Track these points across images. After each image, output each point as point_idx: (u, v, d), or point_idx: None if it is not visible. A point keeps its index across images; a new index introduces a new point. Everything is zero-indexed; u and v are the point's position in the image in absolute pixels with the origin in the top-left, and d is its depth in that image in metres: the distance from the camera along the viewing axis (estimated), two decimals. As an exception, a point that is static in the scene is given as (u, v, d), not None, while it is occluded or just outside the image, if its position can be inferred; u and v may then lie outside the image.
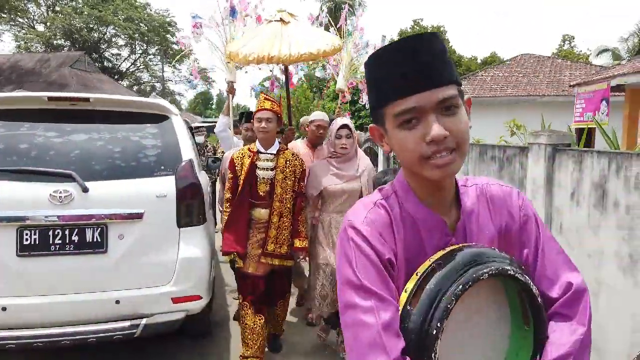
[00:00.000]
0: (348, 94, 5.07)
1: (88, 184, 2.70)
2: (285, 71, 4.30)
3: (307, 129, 4.25)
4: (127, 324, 2.71)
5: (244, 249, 3.10)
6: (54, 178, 2.69)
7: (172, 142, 3.03)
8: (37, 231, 2.63)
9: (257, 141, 3.20)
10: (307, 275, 3.58)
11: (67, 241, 2.67)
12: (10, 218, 2.59)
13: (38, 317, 2.62)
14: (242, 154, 3.17)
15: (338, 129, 3.28)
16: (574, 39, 38.46)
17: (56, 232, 2.65)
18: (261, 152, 3.16)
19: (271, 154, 3.16)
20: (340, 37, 4.62)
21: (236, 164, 3.14)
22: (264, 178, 3.12)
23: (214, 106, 65.19)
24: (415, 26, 33.67)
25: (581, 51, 35.39)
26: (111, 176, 2.79)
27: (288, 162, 3.18)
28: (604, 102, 9.10)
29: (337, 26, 4.90)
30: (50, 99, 2.89)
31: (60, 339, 2.61)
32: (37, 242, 2.63)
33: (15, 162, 2.70)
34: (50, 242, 2.64)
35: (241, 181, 3.09)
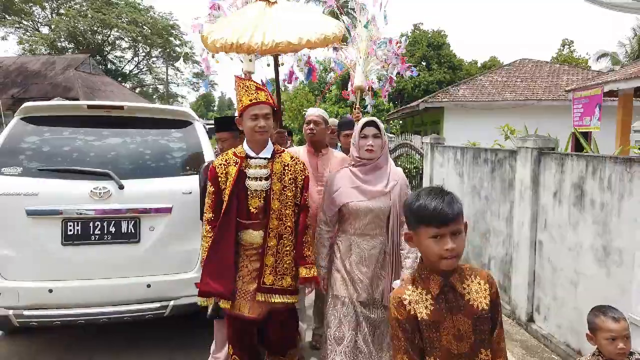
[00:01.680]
0: (369, 94, 4.39)
1: (123, 182, 3.07)
2: (275, 63, 3.50)
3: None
4: (157, 305, 3.08)
5: (231, 288, 2.43)
6: (94, 176, 3.06)
7: (195, 145, 3.39)
8: (79, 223, 3.01)
9: (244, 143, 2.54)
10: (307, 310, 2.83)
11: (105, 232, 3.04)
12: (56, 211, 2.96)
13: (80, 298, 2.98)
14: (225, 160, 2.49)
15: (363, 127, 2.63)
16: (573, 43, 38.76)
17: (96, 224, 3.03)
18: (251, 157, 2.48)
19: (264, 158, 2.49)
20: (354, 28, 4.07)
21: (219, 174, 2.46)
22: (256, 190, 2.44)
23: (215, 108, 65.62)
24: (415, 30, 34.03)
25: (580, 55, 35.80)
26: (143, 175, 3.16)
27: (287, 168, 2.51)
28: (597, 107, 9.47)
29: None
30: (89, 107, 3.28)
31: (99, 317, 2.98)
32: (79, 233, 3.00)
33: (60, 163, 3.07)
34: (91, 232, 3.02)
35: (226, 196, 2.43)
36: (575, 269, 3.54)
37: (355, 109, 3.89)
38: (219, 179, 2.47)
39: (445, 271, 1.49)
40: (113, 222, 3.04)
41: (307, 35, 2.94)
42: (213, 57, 3.81)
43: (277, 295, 2.46)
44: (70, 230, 2.99)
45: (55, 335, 3.67)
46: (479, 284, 1.55)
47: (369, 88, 4.33)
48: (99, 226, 3.03)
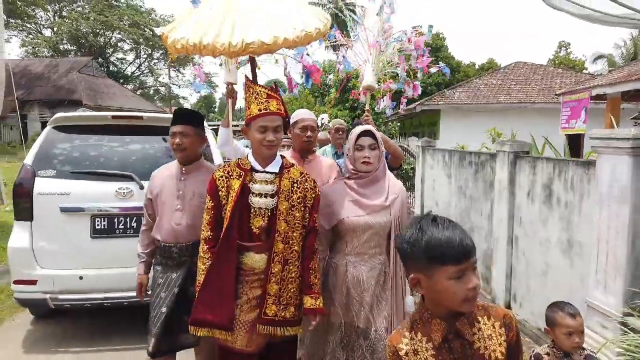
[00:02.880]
0: (364, 94, 3.85)
1: (143, 182, 3.48)
2: (252, 65, 2.86)
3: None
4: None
5: (231, 317, 2.19)
6: (118, 178, 3.51)
7: (205, 149, 3.81)
8: (105, 219, 3.45)
9: (249, 155, 2.33)
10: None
11: (128, 226, 3.50)
12: (86, 209, 3.41)
13: (106, 284, 3.43)
14: (227, 172, 2.26)
15: (358, 137, 2.44)
16: (570, 45, 39.21)
17: (120, 220, 3.47)
18: (257, 171, 2.25)
19: (272, 172, 2.26)
20: (363, 19, 3.59)
21: (219, 187, 2.22)
22: (260, 208, 2.21)
23: (216, 109, 66.08)
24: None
25: (577, 57, 36.27)
26: None
27: (296, 185, 2.27)
28: (583, 110, 9.90)
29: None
30: (113, 117, 3.73)
31: (122, 300, 3.43)
32: (105, 227, 3.46)
33: (89, 166, 3.51)
34: (116, 227, 3.47)
35: (227, 213, 2.19)
36: (545, 261, 3.96)
37: (365, 112, 3.47)
38: (219, 193, 2.22)
39: (452, 313, 1.27)
40: (135, 218, 3.48)
41: (284, 33, 2.41)
42: (200, 65, 3.42)
43: (279, 328, 2.21)
44: (98, 225, 3.43)
45: (79, 319, 4.10)
46: (493, 327, 1.31)
47: (388, 89, 3.94)
48: (123, 221, 3.47)
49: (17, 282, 3.34)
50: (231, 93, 3.06)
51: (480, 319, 1.31)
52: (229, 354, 2.25)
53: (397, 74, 3.86)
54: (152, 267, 2.79)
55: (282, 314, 2.21)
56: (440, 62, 4.13)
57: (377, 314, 2.39)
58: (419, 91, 3.89)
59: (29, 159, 3.44)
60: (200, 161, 2.77)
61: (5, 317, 4.15)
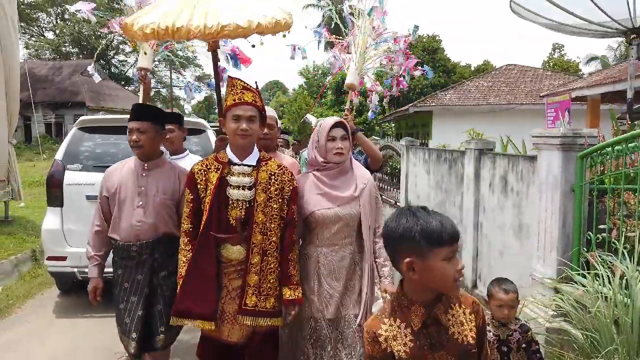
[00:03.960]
0: (357, 95, 3.91)
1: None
2: (214, 57, 2.99)
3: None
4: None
5: (214, 307, 2.25)
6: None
7: (208, 148, 4.43)
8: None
9: (227, 148, 2.38)
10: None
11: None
12: (107, 196, 4.00)
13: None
14: (205, 166, 2.32)
15: (330, 129, 2.46)
16: (563, 47, 39.84)
17: None
18: (234, 164, 2.31)
19: (249, 165, 2.32)
20: (356, 17, 3.65)
21: (198, 181, 2.30)
22: (237, 200, 2.26)
23: (216, 111, 66.53)
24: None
25: (571, 59, 36.92)
26: None
27: (273, 177, 2.33)
28: (566, 111, 10.54)
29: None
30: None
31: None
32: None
33: (109, 161, 4.08)
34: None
35: (206, 205, 2.26)
36: (503, 243, 4.58)
37: (346, 109, 3.51)
38: (198, 187, 2.29)
39: (430, 300, 1.38)
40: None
41: (258, 18, 2.52)
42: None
43: (261, 318, 2.26)
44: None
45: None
46: (464, 314, 1.42)
47: (374, 91, 4.02)
48: None
49: (50, 258, 3.98)
50: (143, 79, 3.26)
51: (452, 306, 1.41)
52: (213, 344, 2.34)
53: (384, 74, 3.97)
54: (113, 272, 2.68)
55: (263, 305, 2.26)
56: (425, 65, 4.13)
57: (347, 302, 2.44)
58: (405, 85, 3.92)
59: (59, 155, 4.07)
60: (162, 157, 2.72)
61: (35, 292, 4.82)
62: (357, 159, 3.30)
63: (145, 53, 3.25)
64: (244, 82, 2.32)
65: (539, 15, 5.87)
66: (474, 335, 1.40)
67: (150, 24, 2.48)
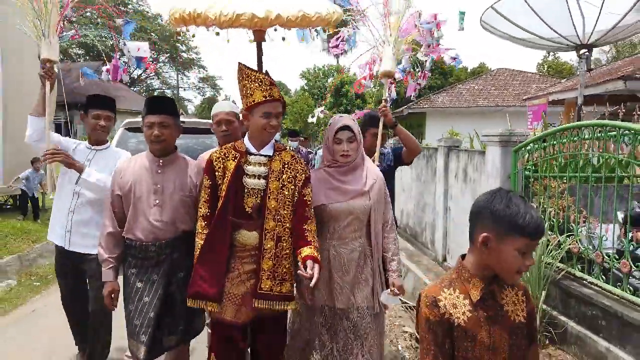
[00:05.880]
0: (393, 84, 3.59)
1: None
2: (258, 49, 2.83)
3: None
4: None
5: (220, 290, 2.30)
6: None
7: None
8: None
9: (245, 138, 2.42)
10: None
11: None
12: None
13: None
14: (224, 154, 2.37)
15: (336, 131, 2.49)
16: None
17: None
18: (252, 154, 2.37)
19: (265, 155, 2.37)
20: None
21: (216, 168, 2.36)
22: (253, 189, 2.33)
23: (219, 111, 67.44)
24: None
25: (565, 61, 37.83)
26: None
27: (286, 167, 2.38)
28: (543, 113, 11.60)
29: None
30: (162, 121, 5.31)
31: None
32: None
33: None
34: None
35: (223, 192, 2.32)
36: (465, 223, 5.59)
37: (382, 102, 3.31)
38: (216, 173, 2.34)
39: (488, 277, 1.42)
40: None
41: (279, 9, 2.40)
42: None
43: (276, 302, 2.29)
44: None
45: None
46: (516, 295, 1.48)
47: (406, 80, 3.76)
48: None
49: None
50: (50, 73, 2.88)
51: (506, 287, 1.47)
52: (218, 326, 2.38)
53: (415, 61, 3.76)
54: (125, 271, 2.58)
55: (278, 289, 2.28)
56: (457, 55, 3.85)
57: (358, 294, 2.48)
58: (424, 82, 3.86)
59: None
60: (176, 152, 2.64)
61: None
62: (397, 150, 3.56)
63: (50, 42, 2.85)
64: (270, 77, 2.32)
65: (502, 32, 6.90)
66: (525, 316, 1.46)
67: (179, 9, 2.51)
